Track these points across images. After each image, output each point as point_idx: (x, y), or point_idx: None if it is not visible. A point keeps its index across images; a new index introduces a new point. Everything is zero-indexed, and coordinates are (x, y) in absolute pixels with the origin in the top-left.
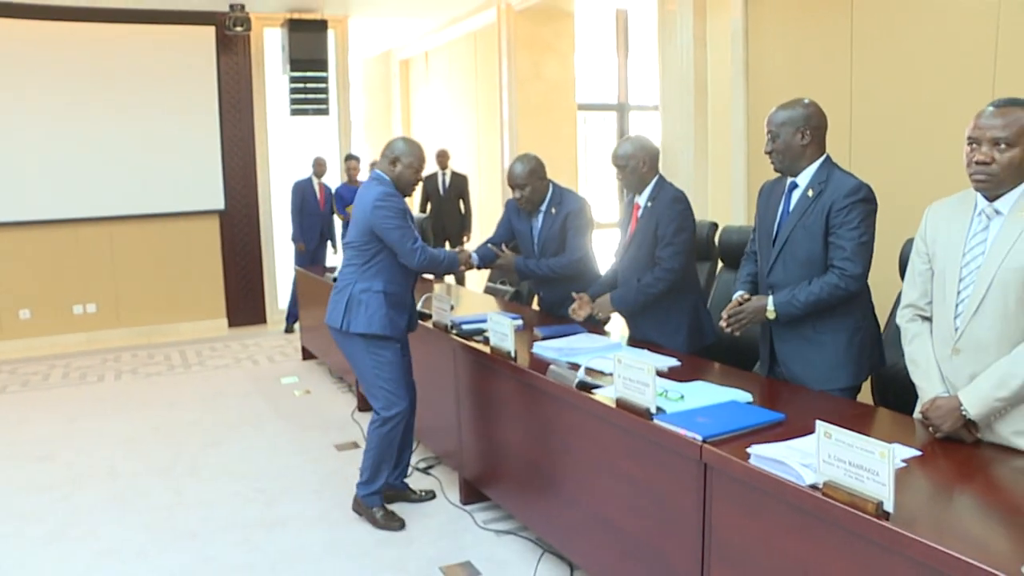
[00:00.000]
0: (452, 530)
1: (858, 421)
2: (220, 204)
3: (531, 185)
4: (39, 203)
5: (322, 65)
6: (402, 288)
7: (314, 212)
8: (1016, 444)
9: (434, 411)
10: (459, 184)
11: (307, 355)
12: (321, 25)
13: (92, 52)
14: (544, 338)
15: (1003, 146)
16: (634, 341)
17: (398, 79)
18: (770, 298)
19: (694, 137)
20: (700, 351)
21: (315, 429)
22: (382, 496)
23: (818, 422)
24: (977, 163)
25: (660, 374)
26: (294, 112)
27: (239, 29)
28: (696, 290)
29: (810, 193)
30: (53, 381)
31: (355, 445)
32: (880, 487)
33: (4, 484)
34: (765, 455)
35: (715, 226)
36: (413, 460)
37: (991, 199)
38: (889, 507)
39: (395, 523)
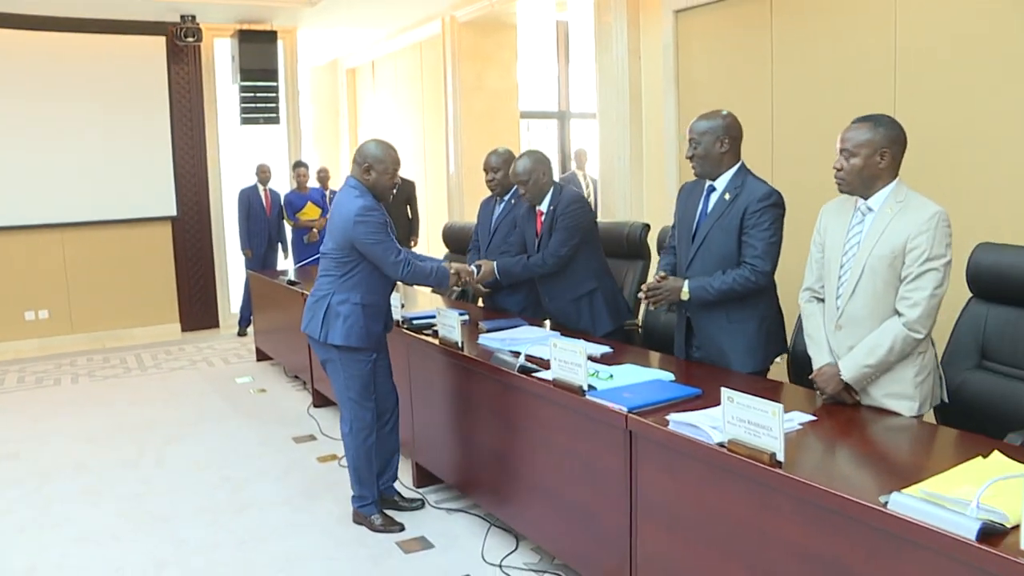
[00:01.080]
0: (409, 513)
1: (765, 393)
2: (172, 211)
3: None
4: None
5: (272, 75)
6: (380, 298)
7: (260, 218)
8: (887, 405)
9: None
10: (406, 190)
11: (261, 356)
12: (271, 36)
13: (43, 61)
14: (488, 330)
15: (847, 155)
16: (566, 330)
17: (345, 87)
18: (686, 282)
19: (629, 143)
20: (623, 336)
21: (273, 424)
22: (377, 503)
23: (723, 388)
24: (835, 168)
25: (592, 358)
26: (244, 121)
27: (190, 40)
28: (610, 276)
29: (727, 196)
30: (8, 385)
31: (312, 437)
32: (773, 440)
33: None
34: (681, 421)
35: (647, 227)
36: None
37: (866, 198)
38: (780, 457)
39: (394, 527)
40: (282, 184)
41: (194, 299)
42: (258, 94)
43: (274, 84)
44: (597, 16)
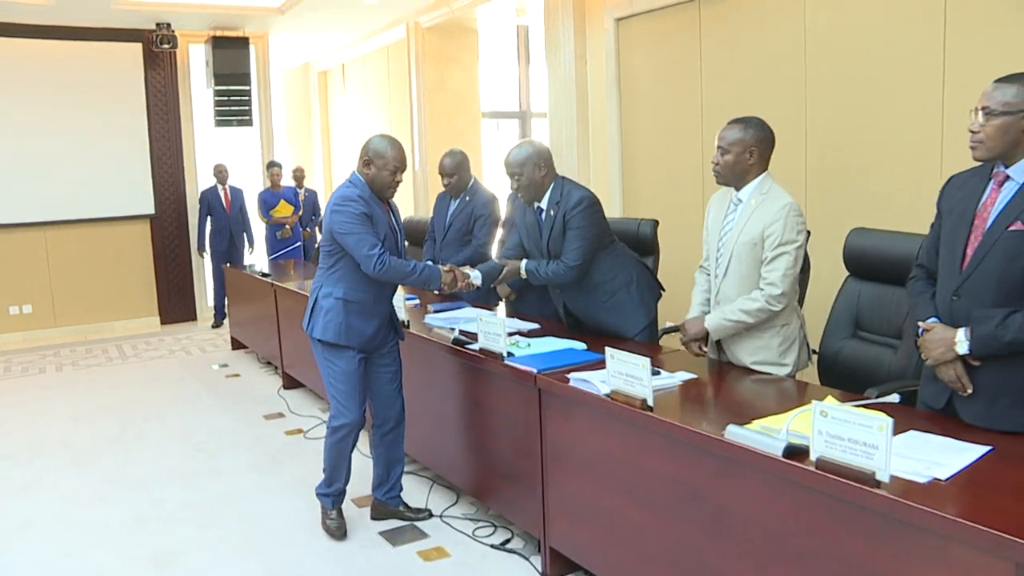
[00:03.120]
0: (363, 472)
1: (645, 353)
2: (150, 209)
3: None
4: None
5: (244, 79)
6: (368, 296)
7: (221, 216)
8: (768, 371)
9: None
10: None
11: (236, 345)
12: (243, 42)
13: (27, 66)
14: (435, 312)
15: (722, 152)
16: (513, 313)
17: (317, 89)
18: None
19: (577, 141)
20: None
21: (245, 403)
22: (334, 500)
23: (607, 348)
24: (712, 163)
25: (520, 333)
26: (219, 123)
27: (166, 46)
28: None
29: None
30: None
31: (281, 415)
32: (644, 389)
33: None
34: (578, 378)
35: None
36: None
37: (738, 189)
38: (650, 403)
39: (338, 532)
40: (255, 183)
41: (172, 293)
42: (231, 97)
43: (246, 88)
44: (547, 23)
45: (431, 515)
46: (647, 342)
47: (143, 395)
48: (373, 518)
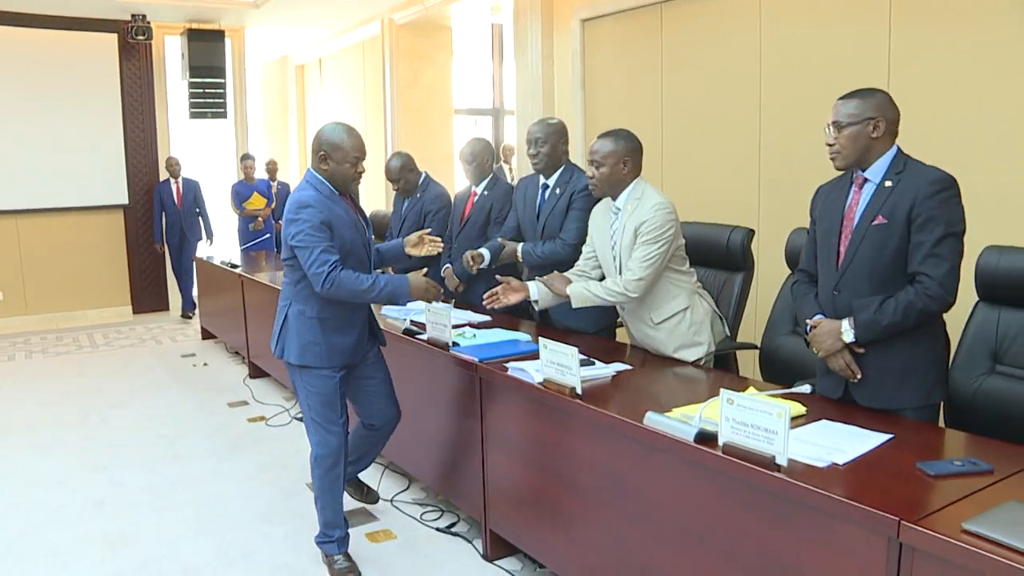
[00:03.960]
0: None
1: (593, 345)
2: (124, 199)
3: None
4: None
5: (220, 72)
6: (343, 308)
7: (172, 211)
8: (682, 356)
9: None
10: None
11: (206, 335)
12: (219, 35)
13: (1, 54)
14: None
15: (597, 166)
16: (465, 304)
17: (294, 83)
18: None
19: None
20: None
21: (211, 392)
22: (342, 543)
23: (540, 338)
24: (589, 177)
25: (471, 324)
26: (193, 115)
27: (141, 38)
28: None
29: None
30: None
31: (245, 403)
32: (573, 377)
33: None
34: (516, 367)
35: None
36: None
37: (615, 198)
38: (579, 391)
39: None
40: (230, 175)
41: (145, 283)
42: (206, 90)
43: (221, 80)
44: (515, 23)
45: (379, 498)
46: (604, 337)
47: (110, 383)
48: None
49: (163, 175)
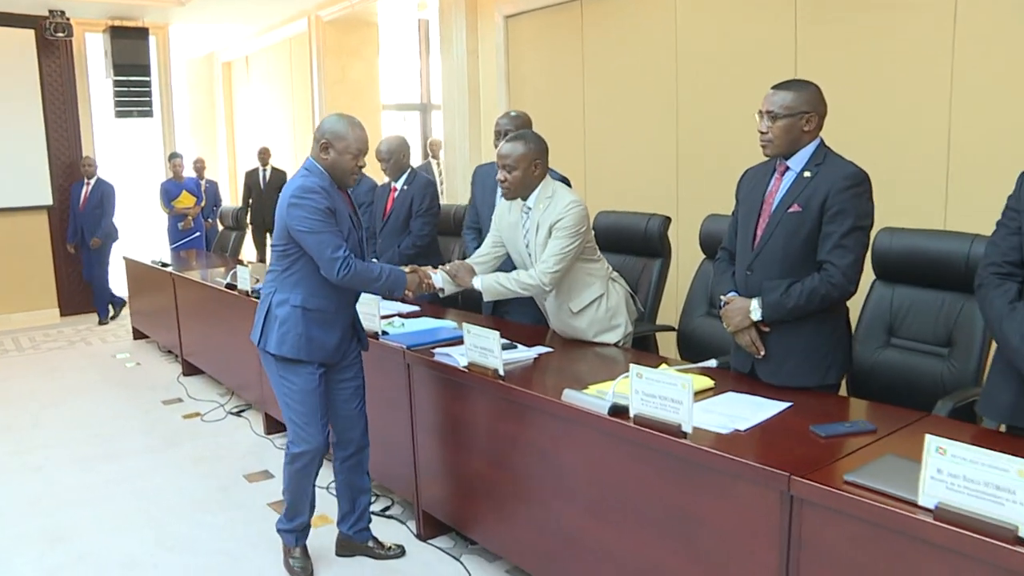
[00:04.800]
0: (257, 451)
1: (519, 332)
2: (48, 199)
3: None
4: None
5: (144, 70)
6: (330, 303)
7: (76, 212)
8: (603, 339)
9: (238, 362)
10: (278, 179)
11: (138, 335)
12: (142, 32)
13: None
14: None
15: (509, 170)
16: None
17: (221, 80)
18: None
19: (469, 133)
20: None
21: (144, 391)
22: (298, 536)
23: (464, 324)
24: (499, 181)
25: (400, 315)
26: (119, 114)
27: (60, 34)
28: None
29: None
30: None
31: (179, 400)
32: (496, 360)
33: None
34: (443, 352)
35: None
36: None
37: (525, 199)
38: (501, 372)
39: (303, 574)
40: (158, 174)
41: (72, 284)
42: (131, 88)
43: (147, 79)
44: (441, 18)
45: (404, 552)
46: (536, 325)
47: (40, 385)
48: (339, 554)
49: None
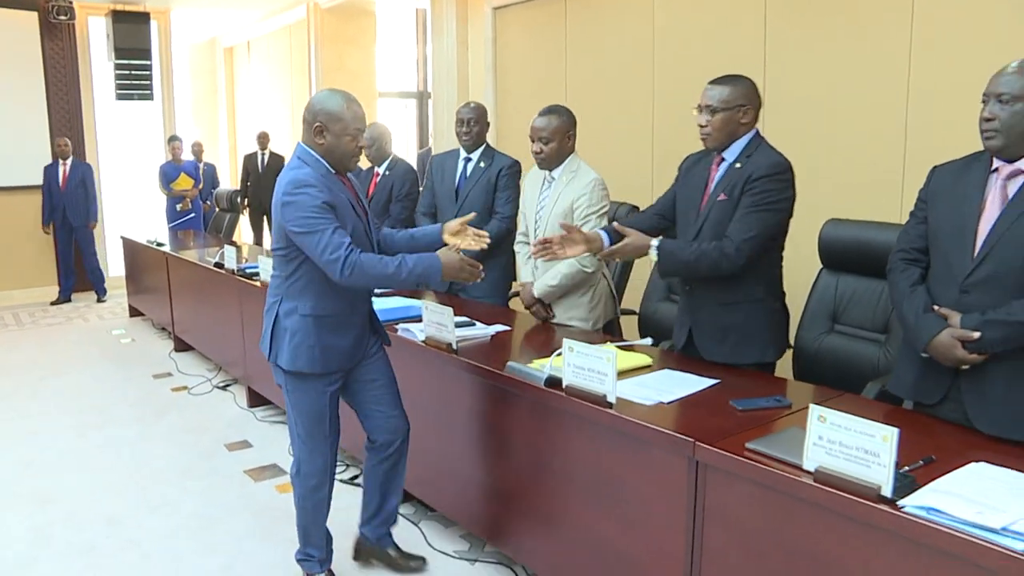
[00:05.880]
0: (239, 423)
1: (490, 311)
2: None
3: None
4: None
5: (145, 54)
6: (343, 304)
7: (56, 193)
8: (568, 323)
9: (225, 339)
10: (276, 164)
11: (134, 312)
12: (144, 17)
13: None
14: None
15: (545, 141)
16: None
17: (223, 65)
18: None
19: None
20: None
21: (137, 365)
22: (322, 563)
23: (423, 301)
24: (535, 152)
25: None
26: (119, 97)
27: (63, 17)
28: None
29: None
30: None
31: (169, 374)
32: (450, 335)
33: None
34: (405, 328)
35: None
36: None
37: (551, 170)
38: (455, 347)
39: None
40: (158, 156)
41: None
42: (132, 71)
43: (148, 62)
44: (432, 9)
45: (425, 563)
46: (501, 306)
47: (39, 358)
48: (355, 558)
49: (89, 155)
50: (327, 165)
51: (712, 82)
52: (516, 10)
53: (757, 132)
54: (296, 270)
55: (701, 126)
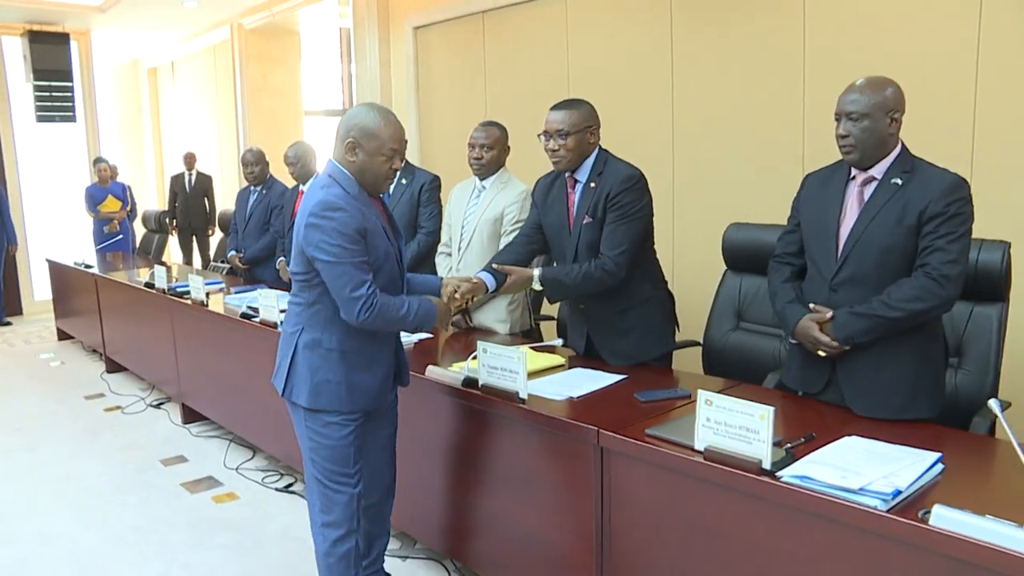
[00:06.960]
0: (174, 439)
1: None
2: None
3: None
4: None
5: (66, 75)
6: (372, 337)
7: None
8: (494, 328)
9: (158, 357)
10: (204, 183)
11: (63, 336)
12: (63, 37)
13: None
14: (235, 293)
15: (486, 150)
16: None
17: (147, 85)
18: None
19: None
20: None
21: (68, 388)
22: None
23: None
24: (551, 150)
25: None
26: (40, 119)
27: None
28: None
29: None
30: None
31: (101, 395)
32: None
33: None
34: None
35: None
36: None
37: (482, 179)
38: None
39: None
40: (83, 178)
41: None
42: (53, 93)
43: (68, 84)
44: (355, 29)
45: None
46: None
47: None
48: None
49: (9, 178)
50: (359, 186)
51: (555, 107)
52: (436, 29)
53: (600, 148)
54: (320, 298)
55: (552, 151)
